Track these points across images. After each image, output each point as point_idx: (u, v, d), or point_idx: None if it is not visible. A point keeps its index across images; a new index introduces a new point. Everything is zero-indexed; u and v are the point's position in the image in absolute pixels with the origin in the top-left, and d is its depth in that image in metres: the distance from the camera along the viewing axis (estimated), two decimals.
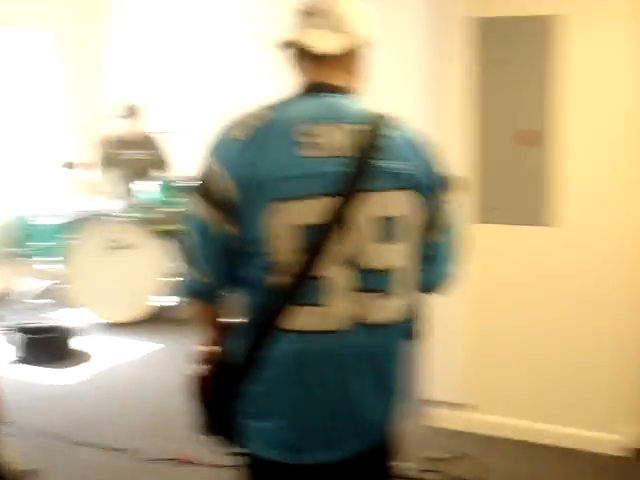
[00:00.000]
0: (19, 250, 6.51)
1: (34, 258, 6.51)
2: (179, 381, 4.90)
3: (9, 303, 6.45)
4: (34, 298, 6.42)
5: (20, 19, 7.07)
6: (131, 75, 7.80)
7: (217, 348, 1.95)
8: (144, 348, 5.59)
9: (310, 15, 1.84)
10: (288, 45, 1.85)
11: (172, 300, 6.34)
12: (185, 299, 1.93)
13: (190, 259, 1.85)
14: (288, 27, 1.89)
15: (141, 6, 7.70)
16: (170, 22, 7.54)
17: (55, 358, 5.18)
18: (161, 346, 5.62)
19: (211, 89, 7.29)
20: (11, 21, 6.98)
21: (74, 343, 5.44)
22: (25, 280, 6.61)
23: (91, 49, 7.85)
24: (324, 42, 1.82)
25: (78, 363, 5.25)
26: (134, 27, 7.77)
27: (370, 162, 1.76)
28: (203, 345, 1.97)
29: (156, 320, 6.05)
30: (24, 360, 5.22)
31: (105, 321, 6.05)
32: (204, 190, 1.81)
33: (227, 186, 1.75)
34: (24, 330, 5.40)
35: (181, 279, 1.90)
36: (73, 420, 4.33)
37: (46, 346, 5.27)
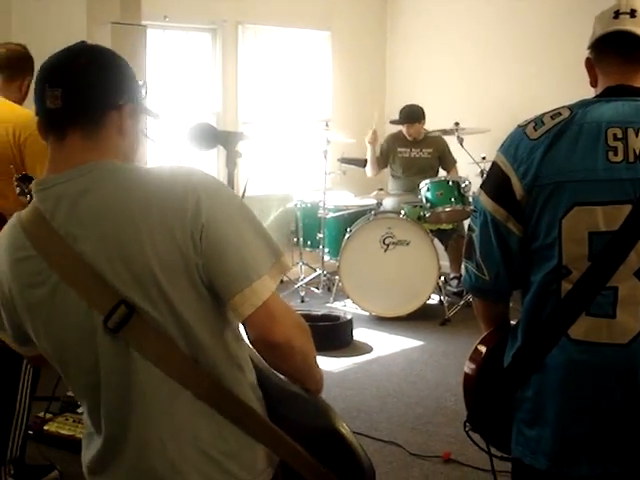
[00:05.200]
0: (299, 238, 6.81)
1: (307, 248, 6.80)
2: (437, 380, 4.95)
3: (284, 289, 6.78)
4: (305, 286, 6.70)
5: (300, 19, 7.42)
6: (413, 74, 7.93)
7: (485, 348, 1.96)
8: (405, 343, 5.68)
9: (618, 15, 1.78)
10: (610, 38, 1.78)
11: (439, 299, 6.40)
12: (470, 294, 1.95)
13: (470, 253, 1.87)
14: (595, 28, 1.83)
15: (427, 8, 7.79)
16: (456, 22, 7.56)
17: (322, 346, 5.33)
18: (422, 343, 5.68)
19: (498, 91, 7.24)
20: (290, 21, 7.35)
21: (340, 333, 5.63)
22: (299, 268, 6.92)
23: (371, 48, 8.08)
24: None
25: (343, 352, 5.43)
26: (418, 26, 7.87)
27: None
28: (481, 343, 1.99)
29: (420, 317, 6.10)
30: None
31: (369, 314, 6.21)
32: (490, 187, 1.81)
33: (515, 185, 1.73)
34: None
35: (464, 273, 1.93)
36: (340, 408, 4.46)
37: (314, 333, 5.46)
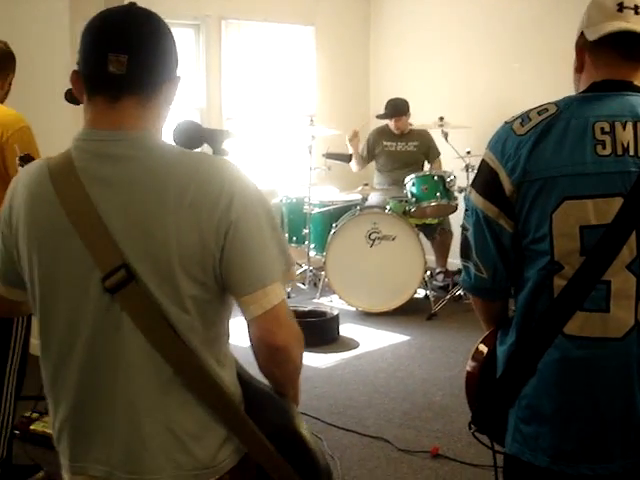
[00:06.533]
0: (285, 234, 6.78)
1: (293, 244, 6.75)
2: (424, 375, 4.92)
3: None
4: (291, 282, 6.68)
5: (284, 14, 7.39)
6: (397, 69, 7.92)
7: (487, 349, 1.94)
8: (392, 338, 5.67)
9: (622, 9, 1.73)
10: (608, 36, 1.73)
11: (425, 294, 6.40)
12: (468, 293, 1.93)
13: (467, 253, 1.86)
14: (592, 14, 1.78)
15: (411, 2, 7.77)
16: (440, 17, 7.56)
17: (308, 342, 5.30)
18: (408, 338, 5.67)
19: (483, 85, 7.23)
20: (274, 16, 7.32)
21: (327, 328, 5.61)
22: None
23: (355, 43, 8.06)
24: None
25: (330, 348, 5.42)
26: (402, 21, 7.86)
27: None
28: (482, 343, 1.98)
29: (406, 312, 6.10)
30: None
31: (356, 309, 6.20)
32: (480, 184, 1.80)
33: (504, 181, 1.73)
34: None
35: (463, 274, 1.91)
36: (328, 403, 4.47)
37: (301, 329, 5.44)
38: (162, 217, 1.50)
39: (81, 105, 2.26)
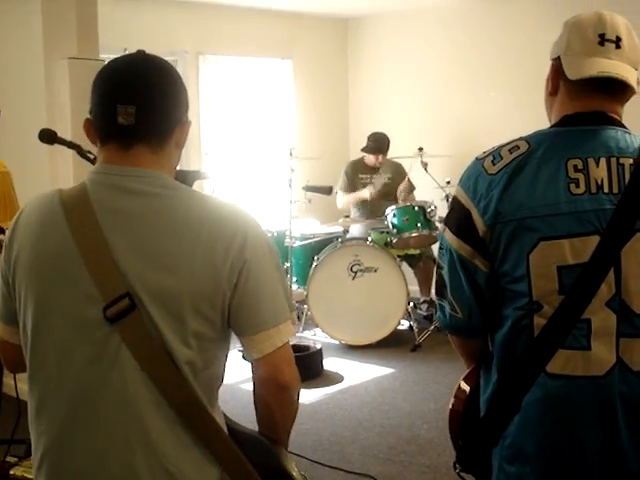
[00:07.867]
0: None
1: None
2: (409, 408, 4.88)
3: None
4: None
5: (261, 48, 7.41)
6: (375, 100, 7.93)
7: (469, 388, 1.92)
8: (376, 371, 5.63)
9: (604, 42, 1.68)
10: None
11: (408, 325, 6.36)
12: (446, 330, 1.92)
13: (442, 292, 1.83)
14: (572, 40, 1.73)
15: (387, 35, 7.82)
16: (416, 49, 7.59)
17: None
18: (393, 371, 5.63)
19: (460, 115, 7.24)
20: (251, 50, 7.34)
21: (311, 363, 5.55)
22: None
23: (334, 75, 8.09)
24: (627, 74, 1.69)
25: (314, 383, 5.36)
26: (379, 53, 7.90)
27: None
28: (464, 381, 1.96)
29: (390, 344, 6.06)
30: None
31: (339, 342, 6.16)
32: (453, 223, 1.77)
33: (477, 221, 1.70)
34: None
35: (439, 312, 1.88)
36: (312, 440, 4.41)
37: None
38: (176, 252, 1.51)
39: (55, 145, 2.24)
